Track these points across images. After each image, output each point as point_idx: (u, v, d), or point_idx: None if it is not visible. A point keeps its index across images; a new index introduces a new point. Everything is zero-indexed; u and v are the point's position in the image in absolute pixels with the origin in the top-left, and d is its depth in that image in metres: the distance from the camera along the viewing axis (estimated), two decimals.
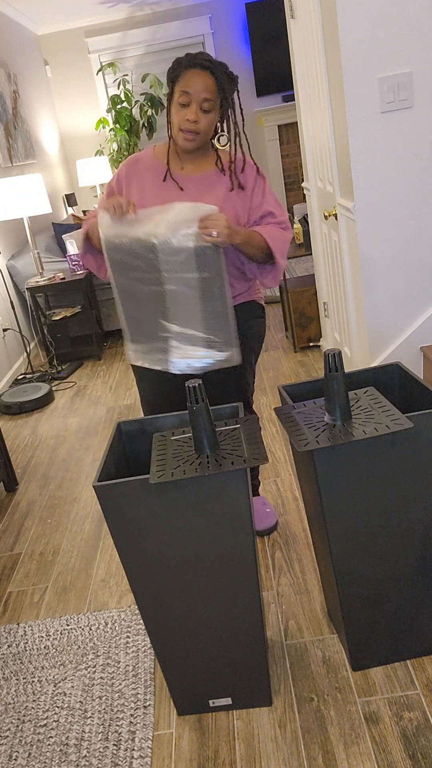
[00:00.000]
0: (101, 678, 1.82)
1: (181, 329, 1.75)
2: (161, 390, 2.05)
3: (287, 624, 1.90)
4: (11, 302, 4.37)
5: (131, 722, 1.67)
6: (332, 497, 1.48)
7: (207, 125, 1.79)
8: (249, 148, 1.87)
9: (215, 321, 1.73)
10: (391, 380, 1.71)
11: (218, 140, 1.89)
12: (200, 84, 1.73)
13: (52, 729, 1.70)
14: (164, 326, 1.76)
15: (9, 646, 2.01)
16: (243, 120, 1.83)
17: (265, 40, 7.02)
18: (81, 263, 1.95)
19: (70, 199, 6.77)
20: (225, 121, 1.84)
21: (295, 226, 4.30)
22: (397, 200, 2.48)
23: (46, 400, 3.96)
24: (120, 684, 1.79)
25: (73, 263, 4.47)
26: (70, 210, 6.82)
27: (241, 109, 1.84)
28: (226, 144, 1.88)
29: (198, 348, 1.76)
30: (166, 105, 1.87)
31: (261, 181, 1.90)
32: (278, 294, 5.09)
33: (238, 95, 1.82)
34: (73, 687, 1.81)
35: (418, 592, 1.62)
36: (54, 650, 1.96)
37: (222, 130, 1.86)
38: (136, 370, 2.08)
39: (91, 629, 2.02)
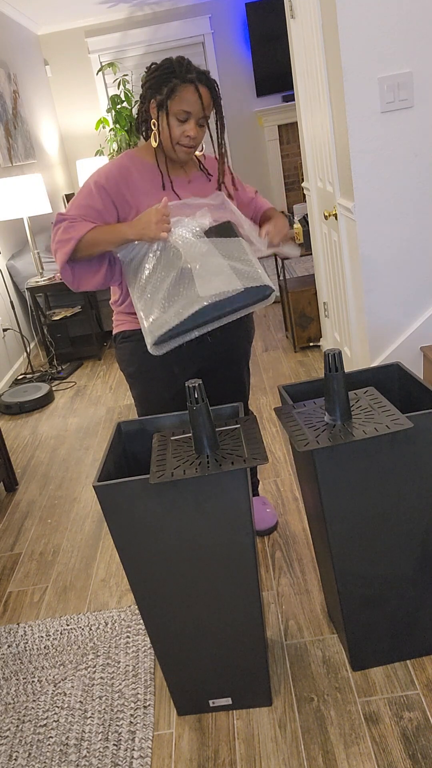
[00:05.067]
0: (101, 678, 1.83)
1: (204, 265, 1.65)
2: (162, 399, 2.00)
3: (287, 624, 1.90)
4: (11, 302, 4.37)
5: (131, 722, 1.67)
6: (332, 497, 1.48)
7: (202, 138, 1.83)
8: (227, 151, 1.95)
9: (239, 254, 1.71)
10: (391, 380, 1.71)
11: None
12: (200, 102, 1.75)
13: (52, 729, 1.70)
14: (188, 271, 1.66)
15: (9, 646, 2.01)
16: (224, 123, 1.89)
17: (265, 40, 7.02)
18: (60, 275, 1.89)
19: (70, 199, 6.77)
20: (218, 127, 1.86)
21: (295, 226, 4.30)
22: (397, 200, 2.48)
23: (46, 400, 3.96)
24: (120, 684, 1.79)
25: None
26: None
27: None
28: (202, 150, 1.95)
29: (226, 276, 1.64)
30: (149, 111, 1.82)
31: (235, 177, 2.02)
32: (278, 294, 5.09)
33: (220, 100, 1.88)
34: (73, 687, 1.81)
35: (418, 592, 1.62)
36: (54, 650, 1.96)
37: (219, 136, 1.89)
38: (137, 376, 2.02)
39: (91, 629, 2.02)
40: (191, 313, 1.64)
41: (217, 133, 1.86)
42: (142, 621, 1.87)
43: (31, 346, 4.93)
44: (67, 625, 2.05)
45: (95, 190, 1.82)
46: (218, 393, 2.09)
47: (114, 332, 2.04)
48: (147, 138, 1.92)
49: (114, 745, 1.62)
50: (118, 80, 6.51)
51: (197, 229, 1.74)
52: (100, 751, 1.60)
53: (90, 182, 1.84)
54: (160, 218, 1.70)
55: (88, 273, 1.88)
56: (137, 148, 1.93)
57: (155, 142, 1.83)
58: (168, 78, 1.74)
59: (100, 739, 1.64)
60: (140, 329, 1.94)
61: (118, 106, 6.35)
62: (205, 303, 1.64)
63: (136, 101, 6.47)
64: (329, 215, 2.89)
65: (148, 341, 1.70)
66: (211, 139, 1.92)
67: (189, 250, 1.71)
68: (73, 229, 1.79)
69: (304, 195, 7.14)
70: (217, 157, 1.91)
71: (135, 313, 1.95)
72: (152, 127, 1.82)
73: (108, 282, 1.92)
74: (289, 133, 7.51)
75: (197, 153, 1.93)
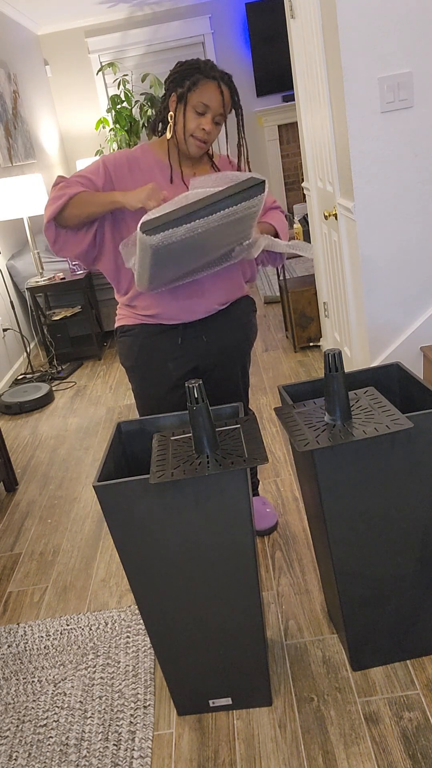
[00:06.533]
0: (101, 678, 1.83)
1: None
2: (158, 394, 2.02)
3: (287, 624, 1.90)
4: (11, 302, 4.37)
5: (131, 722, 1.67)
6: (332, 497, 1.48)
7: (216, 135, 1.86)
8: (248, 153, 1.95)
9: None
10: (391, 380, 1.71)
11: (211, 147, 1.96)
12: (220, 99, 1.79)
13: (52, 729, 1.70)
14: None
15: (9, 646, 2.01)
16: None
17: (265, 40, 7.02)
18: (44, 231, 1.91)
19: None
20: (239, 129, 1.88)
21: (295, 226, 4.30)
22: (397, 200, 2.48)
23: (46, 400, 3.96)
24: (120, 684, 1.79)
25: (73, 263, 4.47)
26: None
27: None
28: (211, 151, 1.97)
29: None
30: (168, 105, 1.85)
31: None
32: (278, 294, 5.09)
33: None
34: (73, 687, 1.81)
35: (418, 592, 1.62)
36: (54, 650, 1.96)
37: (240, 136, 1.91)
38: (134, 370, 2.05)
39: (91, 629, 2.02)
40: (188, 203, 1.60)
41: (239, 133, 1.89)
42: (142, 621, 1.87)
43: (31, 346, 4.92)
44: (67, 625, 2.05)
45: (102, 169, 1.86)
46: (215, 394, 2.10)
47: (115, 326, 2.07)
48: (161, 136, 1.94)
49: (114, 745, 1.62)
50: (118, 80, 6.50)
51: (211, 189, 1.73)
52: (100, 751, 1.60)
53: (100, 161, 1.88)
54: (152, 194, 1.71)
55: (72, 240, 1.90)
56: (152, 142, 1.94)
57: (169, 133, 1.84)
58: (192, 72, 1.78)
59: (100, 739, 1.64)
60: (140, 324, 1.97)
61: (118, 106, 6.35)
62: (200, 193, 1.61)
63: (136, 101, 6.51)
64: (329, 215, 2.89)
65: (140, 224, 1.63)
66: (224, 140, 1.94)
67: (191, 192, 1.69)
68: (68, 188, 1.82)
69: (304, 195, 7.14)
70: (238, 155, 1.93)
71: (136, 308, 1.95)
72: (169, 119, 1.84)
73: (89, 259, 1.94)
74: (289, 133, 7.52)
75: (211, 151, 1.94)
